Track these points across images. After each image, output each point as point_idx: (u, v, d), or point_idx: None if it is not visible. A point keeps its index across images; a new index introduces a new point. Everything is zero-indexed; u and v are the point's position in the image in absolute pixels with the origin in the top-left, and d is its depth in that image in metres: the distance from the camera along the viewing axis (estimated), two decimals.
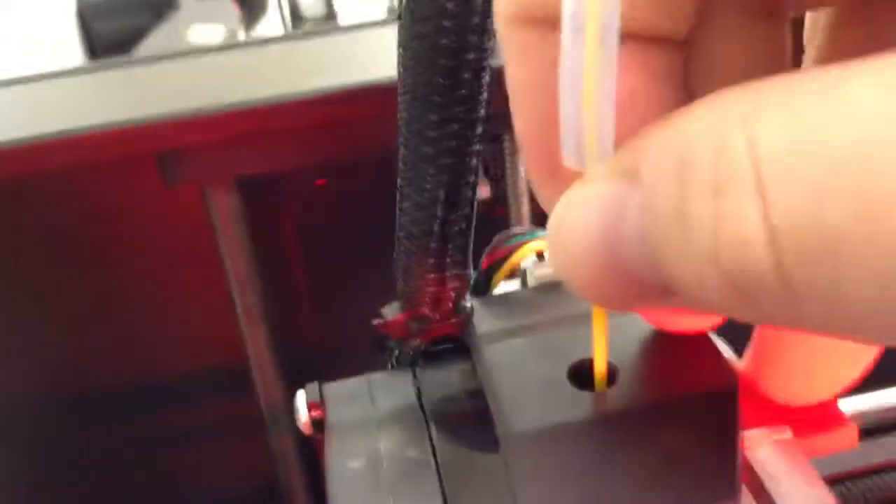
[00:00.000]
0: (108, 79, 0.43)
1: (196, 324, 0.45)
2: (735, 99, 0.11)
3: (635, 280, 0.12)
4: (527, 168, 0.15)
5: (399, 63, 0.22)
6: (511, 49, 0.14)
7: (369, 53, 0.42)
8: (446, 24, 0.20)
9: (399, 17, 0.22)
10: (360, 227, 0.45)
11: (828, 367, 0.21)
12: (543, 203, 0.15)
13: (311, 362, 0.47)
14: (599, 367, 0.19)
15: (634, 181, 0.12)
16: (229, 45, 0.47)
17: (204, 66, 0.43)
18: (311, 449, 0.47)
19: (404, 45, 0.21)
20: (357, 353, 0.25)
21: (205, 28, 1.95)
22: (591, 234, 0.12)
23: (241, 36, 1.47)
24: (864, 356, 0.21)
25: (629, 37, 0.12)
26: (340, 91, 0.36)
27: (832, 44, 0.15)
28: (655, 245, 0.12)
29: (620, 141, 0.12)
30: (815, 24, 0.16)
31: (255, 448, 0.47)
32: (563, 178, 0.13)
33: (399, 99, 0.22)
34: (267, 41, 0.46)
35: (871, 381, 0.24)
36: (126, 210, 0.42)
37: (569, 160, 0.13)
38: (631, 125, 0.12)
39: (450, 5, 0.19)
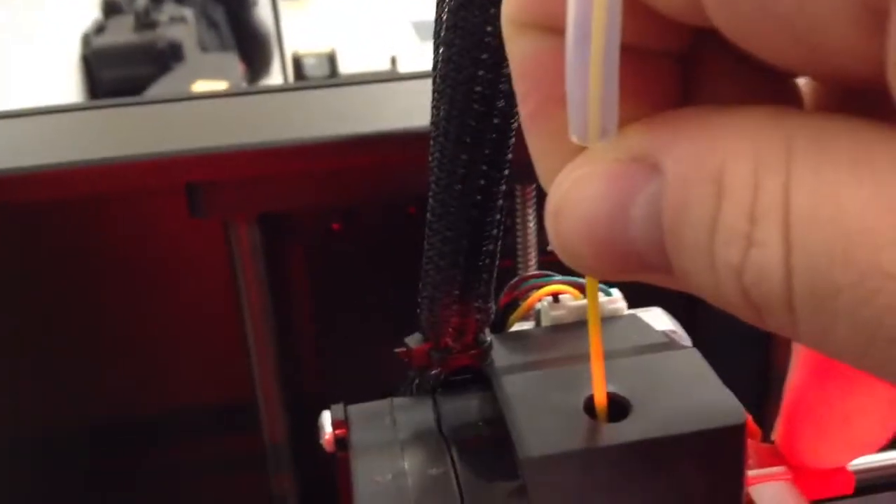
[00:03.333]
0: (124, 114, 0.44)
1: (207, 356, 0.45)
2: (770, 135, 0.12)
3: (635, 256, 0.13)
4: (529, 145, 0.15)
5: (433, 107, 0.23)
6: (515, 45, 0.15)
7: (372, 105, 0.44)
8: (480, 73, 0.21)
9: (434, 67, 0.23)
10: (368, 274, 0.46)
11: (857, 430, 0.22)
12: (543, 176, 0.15)
13: (310, 404, 0.48)
14: (594, 330, 0.19)
15: (652, 171, 0.13)
16: (242, 91, 0.48)
17: (216, 108, 0.44)
18: (310, 490, 0.47)
19: (440, 90, 0.22)
20: (355, 399, 0.26)
21: (209, 85, 1.98)
22: (596, 209, 0.13)
23: None
24: (892, 419, 0.22)
25: (627, 48, 0.13)
26: (363, 137, 0.38)
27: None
28: (675, 239, 0.13)
29: (622, 123, 0.13)
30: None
31: (255, 486, 0.47)
32: (564, 153, 0.14)
33: (431, 141, 0.23)
34: (271, 89, 0.47)
35: None
36: (149, 239, 0.42)
37: (574, 135, 0.13)
38: (633, 112, 0.14)
39: (484, 56, 0.21)
